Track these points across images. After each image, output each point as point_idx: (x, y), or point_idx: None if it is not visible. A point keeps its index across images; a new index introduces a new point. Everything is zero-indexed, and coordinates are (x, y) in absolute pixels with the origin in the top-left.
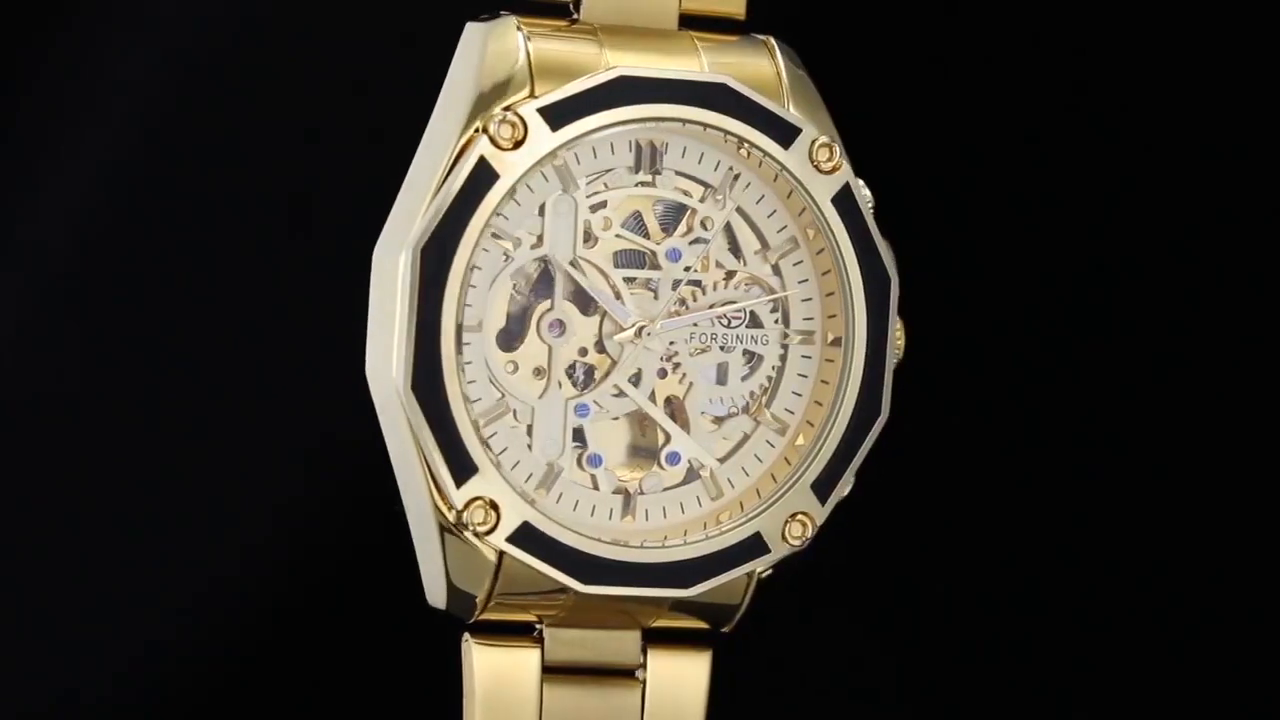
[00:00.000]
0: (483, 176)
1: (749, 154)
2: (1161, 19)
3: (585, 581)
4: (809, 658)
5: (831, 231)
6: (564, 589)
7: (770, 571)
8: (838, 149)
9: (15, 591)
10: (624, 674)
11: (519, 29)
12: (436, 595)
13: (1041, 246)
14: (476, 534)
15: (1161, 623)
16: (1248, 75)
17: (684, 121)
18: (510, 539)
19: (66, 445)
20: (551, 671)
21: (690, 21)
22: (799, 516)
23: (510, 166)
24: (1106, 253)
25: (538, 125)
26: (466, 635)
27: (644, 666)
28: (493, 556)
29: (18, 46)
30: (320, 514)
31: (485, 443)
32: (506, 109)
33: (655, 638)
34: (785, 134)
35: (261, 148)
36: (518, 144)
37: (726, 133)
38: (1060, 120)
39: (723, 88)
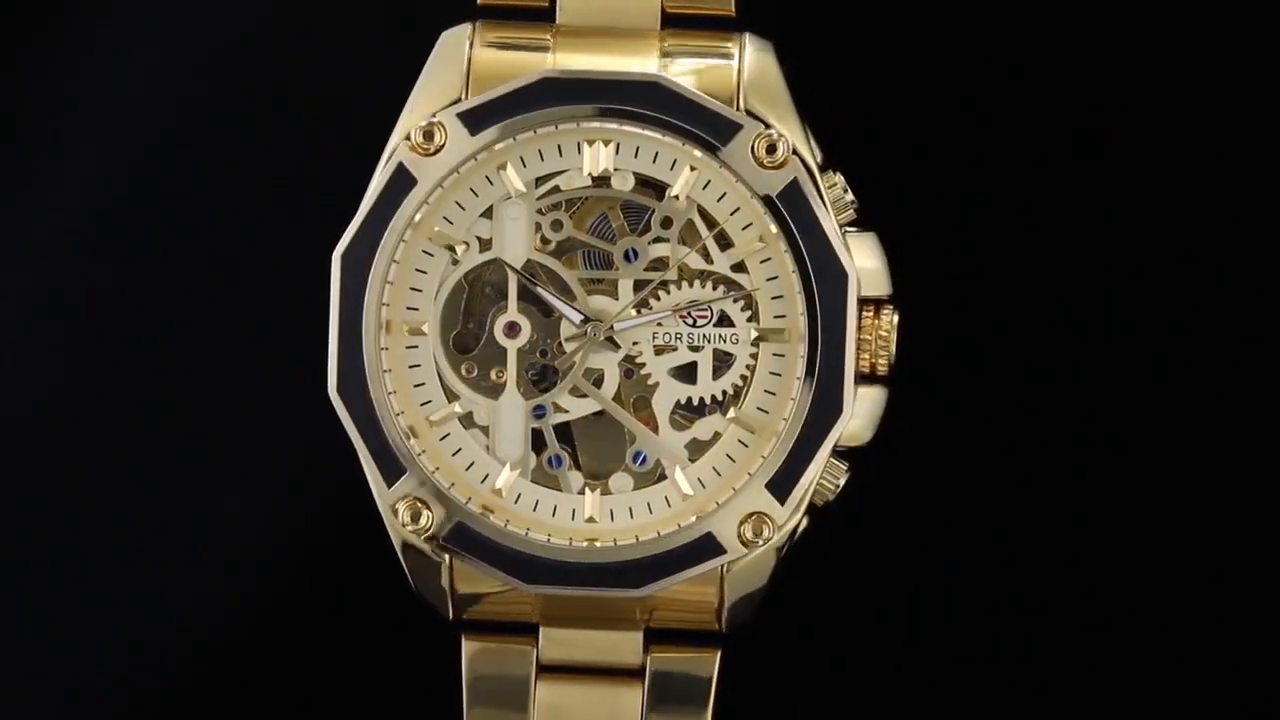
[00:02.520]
0: (400, 182)
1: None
2: (1161, 19)
3: (528, 581)
4: (810, 658)
5: (778, 227)
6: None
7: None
8: (784, 145)
9: (15, 591)
10: (625, 674)
11: (468, 37)
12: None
13: (1041, 246)
14: (412, 534)
15: (1161, 623)
16: (1248, 75)
17: (617, 120)
18: (446, 539)
19: (66, 446)
20: (548, 670)
21: (676, 21)
22: (756, 517)
23: (430, 171)
24: (1107, 253)
25: (456, 130)
26: (461, 632)
27: (646, 666)
28: (444, 556)
29: (18, 46)
30: (319, 514)
31: (411, 444)
32: (432, 116)
33: (658, 638)
34: (723, 130)
35: (262, 149)
36: (438, 149)
37: (661, 129)
38: (1061, 121)
39: (653, 86)
